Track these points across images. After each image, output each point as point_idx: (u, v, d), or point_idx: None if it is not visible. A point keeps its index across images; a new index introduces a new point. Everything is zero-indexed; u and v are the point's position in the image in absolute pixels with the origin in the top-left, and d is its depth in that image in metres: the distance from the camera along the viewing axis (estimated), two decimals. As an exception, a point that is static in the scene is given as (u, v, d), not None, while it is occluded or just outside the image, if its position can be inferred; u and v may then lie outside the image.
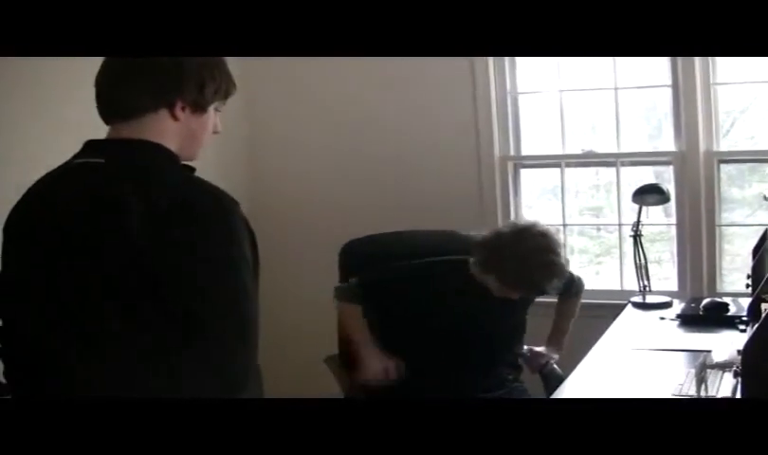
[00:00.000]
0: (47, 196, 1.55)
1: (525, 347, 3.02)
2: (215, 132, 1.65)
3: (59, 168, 1.59)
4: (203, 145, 1.64)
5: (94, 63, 1.60)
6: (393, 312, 2.82)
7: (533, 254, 2.56)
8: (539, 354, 3.00)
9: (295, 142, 4.22)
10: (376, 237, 3.16)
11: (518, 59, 3.89)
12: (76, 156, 1.57)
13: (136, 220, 1.41)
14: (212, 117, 1.62)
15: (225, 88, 1.62)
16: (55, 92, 3.09)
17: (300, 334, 4.17)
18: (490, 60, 3.84)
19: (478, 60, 3.83)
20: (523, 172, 3.98)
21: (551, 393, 2.68)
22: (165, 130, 1.56)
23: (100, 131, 1.60)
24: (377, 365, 2.74)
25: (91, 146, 1.57)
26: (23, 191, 1.61)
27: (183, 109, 1.56)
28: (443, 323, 2.77)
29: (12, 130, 2.99)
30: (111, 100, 1.56)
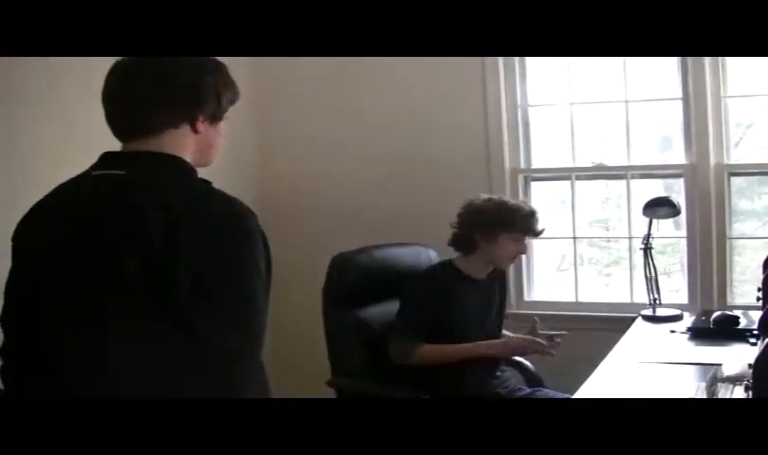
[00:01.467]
0: (66, 207, 1.57)
1: None
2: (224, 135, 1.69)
3: (75, 179, 1.60)
4: (217, 151, 1.68)
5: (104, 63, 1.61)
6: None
7: (513, 204, 3.07)
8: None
9: (305, 149, 4.24)
10: (365, 250, 3.29)
11: (528, 71, 3.90)
12: (93, 168, 1.59)
13: (156, 232, 1.43)
14: (224, 123, 1.66)
15: (234, 96, 1.67)
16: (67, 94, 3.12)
17: (305, 338, 4.17)
18: (501, 72, 3.85)
19: (489, 72, 3.84)
20: (534, 185, 3.99)
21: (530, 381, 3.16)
22: (186, 143, 1.60)
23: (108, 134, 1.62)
24: (517, 349, 3.00)
25: (108, 158, 1.59)
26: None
27: (203, 122, 1.60)
28: (456, 323, 3.00)
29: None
30: (130, 120, 1.58)
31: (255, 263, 1.49)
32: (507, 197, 3.21)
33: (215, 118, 1.63)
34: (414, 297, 3.02)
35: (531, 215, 3.03)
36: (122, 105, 1.58)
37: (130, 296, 1.44)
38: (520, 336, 3.01)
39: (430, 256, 3.39)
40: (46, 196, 1.61)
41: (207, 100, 1.59)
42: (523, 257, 3.90)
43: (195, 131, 1.60)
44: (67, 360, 1.49)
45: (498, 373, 3.07)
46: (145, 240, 1.43)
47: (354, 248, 3.29)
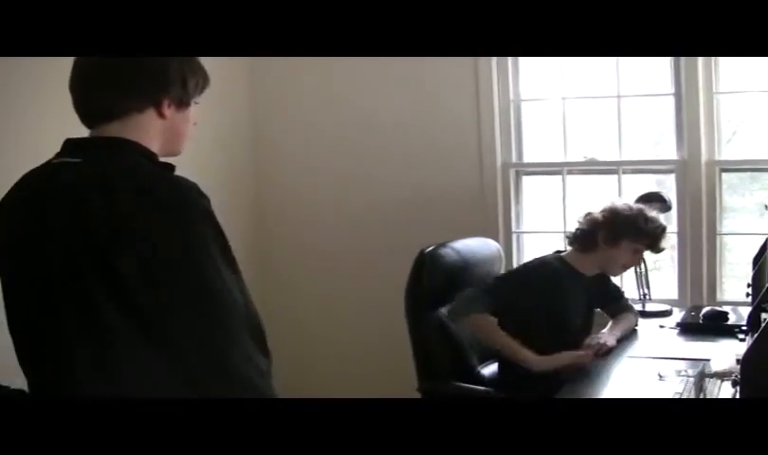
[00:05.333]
0: (24, 198, 1.55)
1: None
2: (194, 123, 1.66)
3: (38, 168, 1.58)
4: (186, 139, 1.65)
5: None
6: (514, 313, 2.87)
7: (651, 216, 2.96)
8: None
9: (298, 143, 4.23)
10: (445, 245, 3.16)
11: (521, 66, 3.90)
12: (57, 155, 1.57)
13: (102, 222, 1.41)
14: (193, 110, 1.64)
15: (203, 82, 1.64)
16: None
17: (301, 331, 4.17)
18: (494, 67, 3.85)
19: (482, 67, 3.84)
20: (525, 179, 3.99)
21: None
22: (151, 128, 1.57)
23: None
24: (554, 364, 2.74)
25: (70, 145, 1.57)
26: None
27: (169, 106, 1.58)
28: (558, 314, 2.91)
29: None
30: (95, 104, 1.56)
31: (204, 249, 1.45)
32: (647, 208, 3.01)
33: (182, 103, 1.60)
34: (515, 275, 3.02)
35: (662, 231, 2.96)
36: (86, 90, 1.56)
37: (82, 288, 1.42)
38: (567, 353, 2.77)
39: (498, 248, 3.41)
40: (13, 186, 1.60)
41: (171, 83, 1.57)
42: (514, 253, 3.92)
43: (161, 116, 1.57)
44: (29, 355, 1.49)
45: None
46: (91, 231, 1.42)
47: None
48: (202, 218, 1.47)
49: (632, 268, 3.42)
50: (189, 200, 1.47)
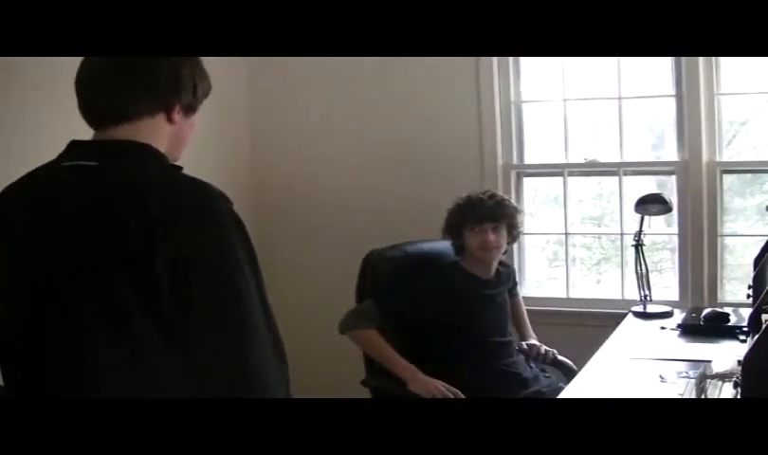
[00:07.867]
0: (35, 201, 1.51)
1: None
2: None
3: (43, 169, 1.54)
4: (187, 145, 1.64)
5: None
6: (413, 328, 3.02)
7: (473, 196, 3.14)
8: (536, 345, 3.24)
9: (296, 144, 4.23)
10: (398, 247, 3.27)
11: (522, 67, 3.90)
12: (62, 158, 1.53)
13: (133, 229, 1.39)
14: (197, 116, 1.63)
15: (207, 88, 1.63)
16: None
17: (299, 329, 4.15)
18: (495, 68, 3.84)
19: (482, 68, 3.84)
20: (526, 181, 3.98)
21: (571, 379, 2.91)
22: (159, 133, 1.55)
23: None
24: (426, 389, 2.86)
25: (78, 147, 1.54)
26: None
27: (179, 112, 1.57)
28: (462, 322, 3.03)
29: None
30: (106, 105, 1.53)
31: (232, 253, 1.44)
32: (475, 192, 3.19)
33: (190, 109, 1.59)
34: (405, 289, 3.03)
35: (478, 203, 3.07)
36: (98, 91, 1.53)
37: (109, 295, 1.40)
38: (434, 382, 2.87)
39: None
40: (11, 188, 1.56)
41: (184, 89, 1.56)
42: (515, 253, 3.91)
43: (170, 121, 1.56)
44: (41, 363, 1.46)
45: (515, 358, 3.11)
46: (123, 237, 1.39)
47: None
48: (230, 224, 1.47)
49: (634, 271, 3.44)
50: (217, 206, 1.47)
